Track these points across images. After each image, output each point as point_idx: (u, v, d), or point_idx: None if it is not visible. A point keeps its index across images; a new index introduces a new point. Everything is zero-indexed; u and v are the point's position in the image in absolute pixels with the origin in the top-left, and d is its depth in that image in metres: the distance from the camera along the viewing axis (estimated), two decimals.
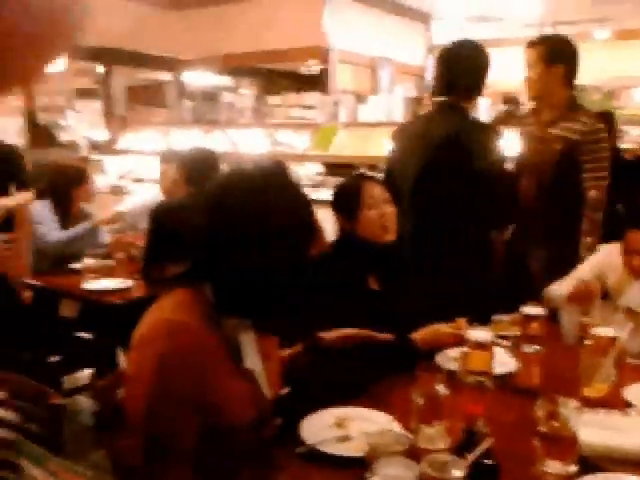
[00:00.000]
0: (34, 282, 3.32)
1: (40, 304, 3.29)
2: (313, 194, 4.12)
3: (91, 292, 3.03)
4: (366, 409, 1.51)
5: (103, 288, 3.04)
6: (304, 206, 1.29)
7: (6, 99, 4.87)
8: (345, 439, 1.36)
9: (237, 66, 7.30)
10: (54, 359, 3.13)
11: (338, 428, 1.40)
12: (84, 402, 3.25)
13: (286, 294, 1.25)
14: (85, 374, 3.20)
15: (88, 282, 3.11)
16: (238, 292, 1.22)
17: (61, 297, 3.24)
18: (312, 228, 1.30)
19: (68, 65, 5.45)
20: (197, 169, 3.03)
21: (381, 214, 2.02)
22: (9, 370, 1.70)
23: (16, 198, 3.39)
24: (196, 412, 1.17)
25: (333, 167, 4.98)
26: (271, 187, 1.25)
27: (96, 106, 6.99)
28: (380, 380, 1.68)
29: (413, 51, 7.64)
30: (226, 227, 1.22)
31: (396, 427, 1.39)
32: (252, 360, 1.29)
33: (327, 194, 4.32)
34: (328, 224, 2.17)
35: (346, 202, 2.07)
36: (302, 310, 1.37)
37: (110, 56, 6.32)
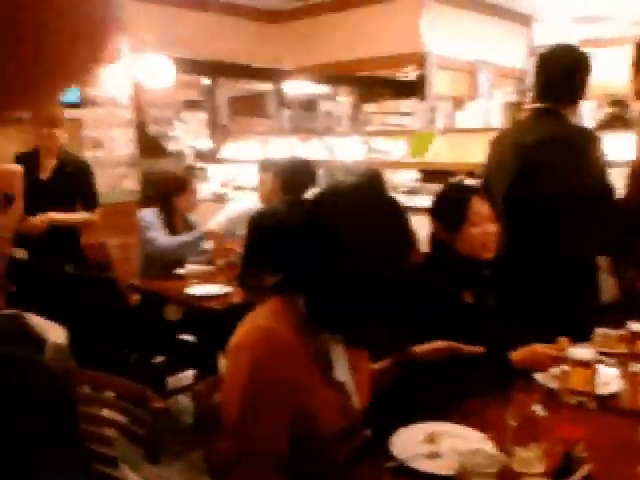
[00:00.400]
0: (141, 286, 3.51)
1: (146, 307, 3.47)
2: (409, 201, 4.09)
3: (193, 297, 3.17)
4: (458, 425, 1.48)
5: (204, 293, 3.17)
6: (400, 219, 1.29)
7: (119, 112, 5.18)
8: (435, 456, 1.34)
9: (335, 74, 7.37)
10: (159, 360, 3.30)
11: (428, 444, 1.39)
12: (185, 402, 3.40)
13: (378, 308, 1.26)
14: (187, 375, 3.36)
15: (191, 287, 3.25)
16: (331, 305, 1.24)
17: (166, 301, 3.40)
18: (408, 241, 1.29)
19: (176, 79, 5.72)
20: (293, 177, 3.10)
21: (484, 232, 1.97)
22: (117, 370, 1.81)
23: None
24: (286, 416, 1.19)
25: (429, 174, 4.93)
26: (367, 200, 1.26)
27: (201, 117, 7.29)
28: (473, 396, 1.64)
29: (513, 54, 7.42)
30: (321, 239, 1.24)
31: (489, 447, 1.35)
32: (342, 371, 1.30)
33: (423, 201, 4.28)
34: (423, 231, 2.15)
35: (450, 214, 2.02)
36: (394, 321, 1.37)
37: (214, 69, 6.57)
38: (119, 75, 5.15)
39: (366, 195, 1.28)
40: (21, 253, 3.17)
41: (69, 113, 4.78)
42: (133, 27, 5.07)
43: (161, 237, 3.64)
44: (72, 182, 3.51)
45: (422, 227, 2.13)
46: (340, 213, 1.23)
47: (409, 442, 1.39)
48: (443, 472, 1.28)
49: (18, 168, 3.04)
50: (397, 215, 1.29)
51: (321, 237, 1.23)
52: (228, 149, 6.48)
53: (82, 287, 2.91)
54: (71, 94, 4.76)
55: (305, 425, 1.22)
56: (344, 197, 1.26)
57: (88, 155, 5.01)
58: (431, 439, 1.39)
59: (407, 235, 1.28)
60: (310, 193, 3.02)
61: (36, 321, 1.58)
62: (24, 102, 0.35)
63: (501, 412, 1.40)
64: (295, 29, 7.03)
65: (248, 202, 4.12)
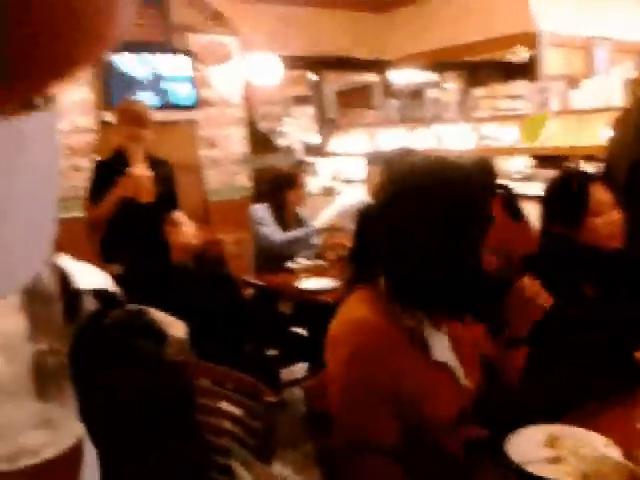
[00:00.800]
0: (255, 280, 3.62)
1: (260, 301, 3.57)
2: (521, 188, 3.94)
3: (304, 291, 3.22)
4: (582, 429, 1.40)
5: (315, 287, 3.22)
6: (480, 195, 1.26)
7: (231, 111, 5.36)
8: (556, 461, 1.28)
9: (442, 61, 7.21)
10: (272, 353, 3.39)
11: (549, 448, 1.33)
12: (298, 394, 3.47)
13: (465, 285, 1.24)
14: (300, 368, 3.42)
15: (302, 281, 3.31)
16: (418, 284, 1.23)
17: (278, 295, 3.48)
18: (488, 218, 1.27)
19: (284, 75, 5.83)
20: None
21: (609, 221, 1.85)
22: (232, 363, 1.87)
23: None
24: (393, 406, 1.19)
25: (543, 159, 4.71)
26: (445, 177, 1.25)
27: (309, 112, 7.39)
28: (596, 397, 1.55)
29: (634, 26, 6.91)
30: (402, 221, 1.23)
31: (615, 453, 1.27)
32: (441, 351, 1.28)
33: (536, 188, 4.10)
34: (536, 219, 2.06)
35: (568, 206, 1.90)
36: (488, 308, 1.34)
37: (320, 63, 6.62)
38: (230, 75, 5.32)
39: (446, 170, 1.27)
40: (116, 269, 2.94)
41: (185, 115, 5.01)
42: (242, 28, 5.24)
43: (275, 233, 3.73)
44: (162, 185, 3.33)
45: (535, 215, 2.04)
46: (421, 189, 1.24)
47: (528, 444, 1.34)
48: (564, 479, 1.21)
49: (148, 173, 3.14)
50: (477, 189, 1.27)
51: (403, 214, 1.23)
52: (336, 142, 6.52)
53: (198, 282, 3.04)
54: (187, 97, 4.98)
55: (413, 412, 1.21)
56: (426, 173, 1.27)
57: (203, 154, 5.22)
58: (552, 442, 1.33)
59: (487, 210, 1.26)
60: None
61: (159, 317, 1.66)
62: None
63: (627, 415, 1.31)
64: (398, 18, 6.93)
65: (356, 195, 4.12)
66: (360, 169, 4.97)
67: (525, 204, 3.18)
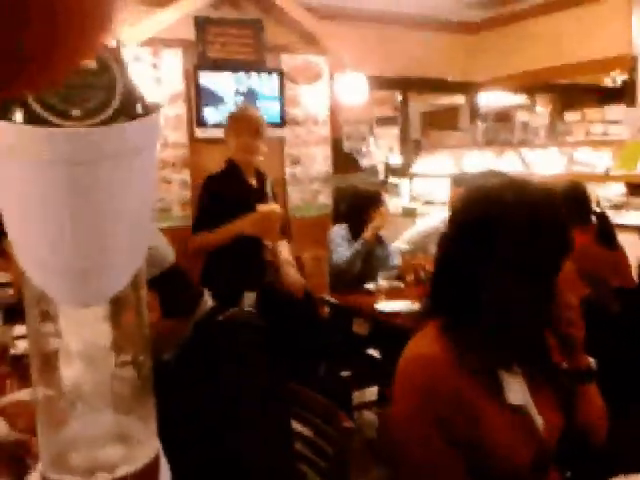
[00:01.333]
0: (332, 299, 3.61)
1: (336, 320, 3.56)
2: (616, 217, 3.76)
3: (381, 313, 3.18)
4: None
5: (392, 310, 3.17)
6: (562, 225, 1.20)
7: (317, 129, 5.41)
8: None
9: (532, 83, 7.03)
10: (345, 374, 3.36)
11: None
12: (370, 418, 3.42)
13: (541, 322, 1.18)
14: (372, 391, 3.38)
15: (379, 302, 3.27)
16: (499, 324, 1.17)
17: (354, 315, 3.46)
18: (568, 246, 1.20)
19: (370, 95, 5.84)
20: None
21: None
22: (306, 381, 1.86)
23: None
24: (461, 447, 1.14)
25: (638, 187, 4.48)
26: (532, 202, 1.20)
27: (393, 132, 7.37)
28: None
29: None
30: (482, 254, 1.18)
31: None
32: (517, 394, 1.22)
33: (632, 218, 3.91)
34: (633, 251, 1.95)
35: None
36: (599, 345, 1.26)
37: (407, 84, 6.60)
38: (319, 94, 5.39)
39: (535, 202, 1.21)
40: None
41: (273, 132, 5.10)
42: (332, 48, 5.30)
43: (340, 250, 3.71)
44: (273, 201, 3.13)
45: (632, 245, 1.93)
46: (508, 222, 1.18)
47: None
48: None
49: (276, 206, 2.93)
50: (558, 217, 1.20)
51: (488, 248, 1.18)
52: (420, 163, 6.47)
53: (277, 299, 3.05)
54: (276, 115, 5.08)
55: (483, 454, 1.16)
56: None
57: (287, 172, 5.30)
58: None
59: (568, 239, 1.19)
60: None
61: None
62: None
63: None
64: (487, 39, 6.82)
65: (440, 217, 4.06)
66: (443, 191, 4.90)
67: (619, 233, 3.03)
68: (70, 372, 0.61)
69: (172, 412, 0.76)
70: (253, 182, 3.12)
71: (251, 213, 2.83)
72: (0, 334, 2.20)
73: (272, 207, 2.92)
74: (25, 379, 1.92)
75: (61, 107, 0.52)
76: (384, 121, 7.68)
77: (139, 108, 0.57)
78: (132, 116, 0.56)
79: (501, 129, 6.49)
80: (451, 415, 1.14)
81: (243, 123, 3.02)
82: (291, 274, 3.06)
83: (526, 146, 5.74)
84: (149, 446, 0.62)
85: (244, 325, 1.42)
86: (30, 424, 1.39)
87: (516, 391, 1.22)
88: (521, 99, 7.91)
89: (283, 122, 5.16)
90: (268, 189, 3.04)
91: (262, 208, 2.85)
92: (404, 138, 7.10)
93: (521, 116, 6.57)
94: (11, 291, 3.28)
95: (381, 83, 6.13)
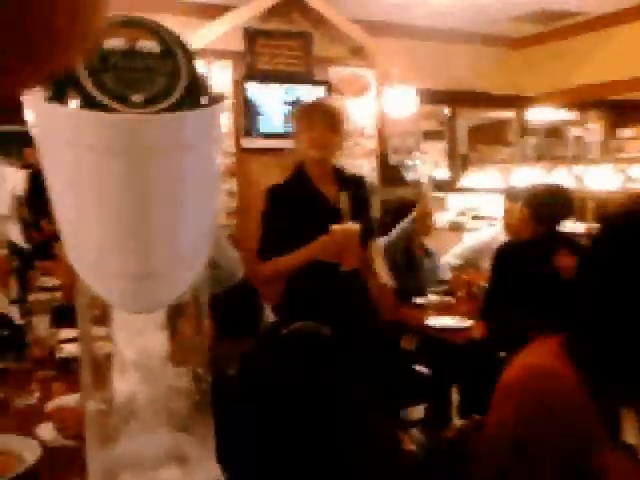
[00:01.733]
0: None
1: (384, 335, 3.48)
2: None
3: (431, 328, 3.09)
4: None
5: (443, 325, 3.08)
6: None
7: (365, 142, 5.37)
8: None
9: (584, 99, 6.87)
10: (394, 390, 3.28)
11: None
12: (416, 435, 3.32)
13: None
14: (420, 408, 3.28)
15: (429, 318, 3.18)
16: (623, 362, 1.06)
17: (403, 330, 3.38)
18: None
19: (418, 109, 5.78)
20: (547, 207, 2.86)
21: None
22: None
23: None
24: (563, 476, 1.04)
25: None
26: None
27: (440, 146, 7.27)
28: None
29: None
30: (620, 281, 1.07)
31: None
32: (631, 433, 1.11)
33: None
34: None
35: None
36: None
37: (455, 98, 6.52)
38: (366, 107, 5.35)
39: None
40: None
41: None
42: (381, 61, 5.27)
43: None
44: (358, 208, 2.52)
45: None
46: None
47: None
48: None
49: (353, 226, 2.32)
50: None
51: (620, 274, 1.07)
52: (467, 178, 6.36)
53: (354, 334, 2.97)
54: None
55: None
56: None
57: None
58: None
59: None
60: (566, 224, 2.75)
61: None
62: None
63: None
64: (538, 54, 6.70)
65: (490, 232, 3.96)
66: (491, 205, 4.79)
67: None
68: (123, 384, 0.56)
69: (236, 424, 0.71)
70: (328, 190, 2.52)
71: (324, 235, 2.34)
72: (47, 337, 2.20)
73: (348, 227, 2.35)
74: (71, 383, 1.90)
75: (121, 92, 0.47)
76: (430, 135, 7.59)
77: (204, 100, 0.52)
78: (196, 106, 0.52)
79: (552, 144, 6.33)
80: (554, 428, 1.04)
81: (317, 114, 2.45)
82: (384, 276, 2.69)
83: (578, 162, 5.59)
84: (207, 470, 0.57)
85: (309, 337, 1.36)
86: (77, 431, 1.36)
87: (632, 429, 1.11)
88: (571, 115, 7.73)
89: None
90: (342, 202, 2.37)
91: (337, 229, 2.33)
92: (452, 152, 7.00)
93: (573, 132, 6.40)
94: (59, 294, 3.32)
95: (429, 97, 6.06)
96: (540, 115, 7.33)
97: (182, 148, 0.48)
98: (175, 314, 0.56)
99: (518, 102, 7.04)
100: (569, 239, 2.90)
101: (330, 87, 5.12)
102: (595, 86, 6.23)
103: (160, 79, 0.49)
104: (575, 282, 1.15)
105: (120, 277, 0.50)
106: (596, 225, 4.54)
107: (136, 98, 0.48)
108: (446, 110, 6.97)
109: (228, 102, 4.75)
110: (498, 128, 7.83)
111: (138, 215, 0.48)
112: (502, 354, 2.52)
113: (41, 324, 2.53)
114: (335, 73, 5.22)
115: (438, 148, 7.36)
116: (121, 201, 0.48)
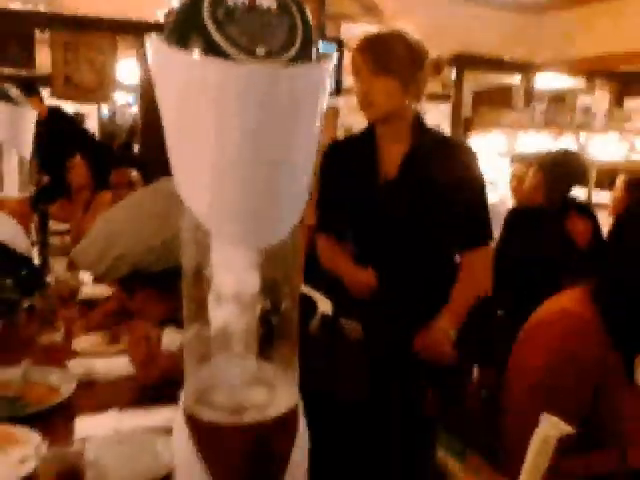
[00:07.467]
0: None
1: None
2: None
3: None
4: None
5: None
6: None
7: None
8: None
9: (592, 68, 6.83)
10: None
11: None
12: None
13: None
14: None
15: None
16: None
17: None
18: None
19: None
20: (562, 173, 2.86)
21: None
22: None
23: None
24: (579, 415, 1.10)
25: None
26: None
27: (442, 108, 7.22)
28: None
29: None
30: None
31: None
32: None
33: None
34: None
35: None
36: None
37: (464, 61, 6.47)
38: None
39: None
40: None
41: (328, 101, 5.08)
42: (394, 19, 5.19)
43: None
44: (430, 182, 1.86)
45: None
46: None
47: None
48: None
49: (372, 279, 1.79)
50: None
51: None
52: (470, 142, 6.36)
53: None
54: (332, 84, 5.03)
55: (601, 430, 1.12)
56: None
57: None
58: None
59: None
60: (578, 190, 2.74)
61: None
62: None
63: None
64: (550, 21, 6.65)
65: (494, 196, 3.99)
66: (495, 170, 4.81)
67: None
68: (219, 314, 0.61)
69: None
70: (398, 150, 1.86)
71: (354, 272, 1.83)
72: (68, 279, 2.25)
73: (367, 277, 1.81)
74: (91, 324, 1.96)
75: (246, 43, 0.51)
76: (433, 97, 7.53)
77: (314, 53, 0.56)
78: (310, 60, 0.55)
79: (560, 111, 6.32)
80: (582, 359, 1.11)
81: (377, 47, 1.84)
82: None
83: (584, 130, 5.60)
84: (290, 394, 0.63)
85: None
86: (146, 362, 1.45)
87: None
88: (579, 82, 7.68)
89: (339, 91, 5.12)
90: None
91: (360, 277, 1.82)
92: (456, 115, 6.96)
93: (580, 100, 6.38)
94: (69, 238, 3.36)
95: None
96: (546, 82, 7.29)
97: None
98: (268, 255, 0.61)
99: (527, 68, 7.00)
100: (579, 204, 2.93)
101: (342, 44, 5.08)
102: (604, 56, 6.21)
103: (280, 34, 0.53)
104: (608, 238, 1.22)
105: (233, 213, 0.54)
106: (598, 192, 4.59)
107: (260, 51, 0.52)
108: (452, 72, 6.91)
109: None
110: (502, 93, 7.78)
111: (258, 161, 0.52)
112: (500, 312, 2.60)
113: (58, 266, 2.59)
114: (347, 30, 5.17)
115: (441, 109, 7.30)
116: (241, 149, 0.52)
